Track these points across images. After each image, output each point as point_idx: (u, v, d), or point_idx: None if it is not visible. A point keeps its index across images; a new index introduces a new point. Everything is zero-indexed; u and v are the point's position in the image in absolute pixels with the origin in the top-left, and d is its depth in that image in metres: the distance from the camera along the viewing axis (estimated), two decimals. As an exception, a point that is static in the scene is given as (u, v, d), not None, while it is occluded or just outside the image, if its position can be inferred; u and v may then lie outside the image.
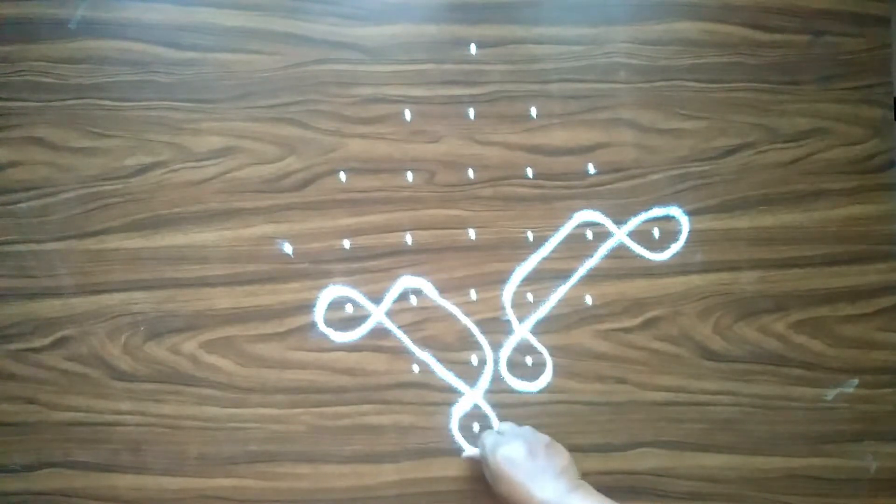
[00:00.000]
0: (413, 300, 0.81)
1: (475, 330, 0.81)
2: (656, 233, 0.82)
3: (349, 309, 0.80)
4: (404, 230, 0.81)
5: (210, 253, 0.79)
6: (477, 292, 0.81)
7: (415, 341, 0.80)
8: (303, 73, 0.80)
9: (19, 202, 0.78)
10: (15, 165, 0.78)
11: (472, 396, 0.81)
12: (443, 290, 0.81)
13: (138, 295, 0.79)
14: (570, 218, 0.82)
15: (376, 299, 0.80)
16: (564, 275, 0.82)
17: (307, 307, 0.80)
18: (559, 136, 0.82)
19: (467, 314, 0.81)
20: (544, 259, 0.82)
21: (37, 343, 0.78)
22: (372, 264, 0.80)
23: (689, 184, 0.83)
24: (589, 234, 0.82)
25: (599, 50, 0.82)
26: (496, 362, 0.81)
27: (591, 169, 0.82)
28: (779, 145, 0.84)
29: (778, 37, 0.84)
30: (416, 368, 0.80)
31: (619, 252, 0.82)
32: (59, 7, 0.78)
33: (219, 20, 0.79)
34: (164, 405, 0.78)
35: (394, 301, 0.80)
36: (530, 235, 0.82)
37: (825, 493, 0.83)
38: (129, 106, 0.79)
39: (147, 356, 0.79)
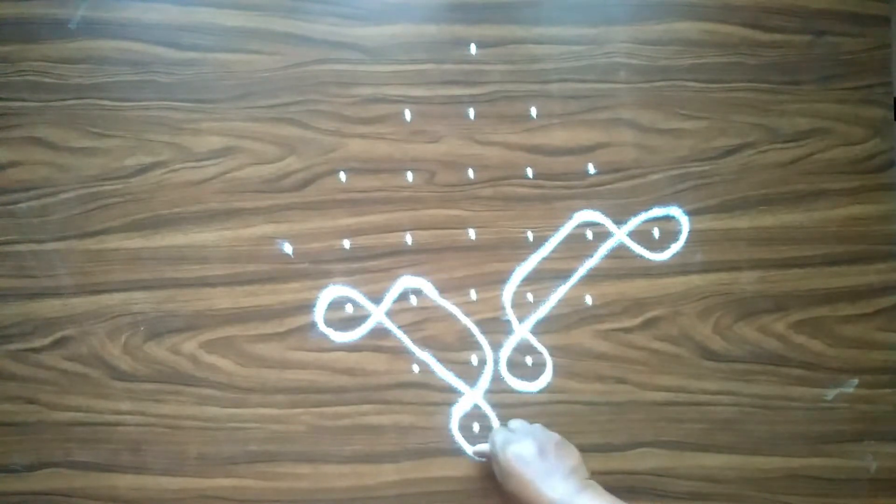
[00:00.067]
0: (413, 300, 0.81)
1: (475, 330, 0.81)
2: (656, 233, 0.82)
3: (349, 309, 0.80)
4: (404, 230, 0.81)
5: (210, 253, 0.79)
6: (477, 292, 0.81)
7: (415, 341, 0.80)
8: (303, 73, 0.80)
9: (19, 202, 0.78)
10: (15, 165, 0.78)
11: (472, 396, 0.81)
12: (443, 290, 0.81)
13: (138, 295, 0.79)
14: (570, 218, 0.82)
15: (376, 299, 0.80)
16: (564, 275, 0.82)
17: (307, 307, 0.80)
18: (559, 136, 0.82)
19: (467, 314, 0.81)
20: (544, 259, 0.82)
21: (37, 343, 0.78)
22: (372, 264, 0.80)
23: (689, 184, 0.83)
24: (589, 234, 0.82)
25: (599, 50, 0.82)
26: (496, 362, 0.81)
27: (591, 169, 0.82)
28: (779, 145, 0.84)
29: (778, 37, 0.83)
30: (416, 368, 0.80)
31: (619, 252, 0.82)
32: (59, 7, 0.78)
33: (219, 20, 0.79)
34: (164, 405, 0.78)
35: (394, 301, 0.80)
36: (530, 235, 0.82)
37: (825, 493, 0.83)
38: (129, 106, 0.79)
39: (147, 356, 0.79)
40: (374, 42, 0.81)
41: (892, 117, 0.84)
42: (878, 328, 0.83)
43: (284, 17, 0.80)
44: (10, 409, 0.78)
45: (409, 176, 0.81)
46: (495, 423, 0.80)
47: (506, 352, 0.81)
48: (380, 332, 0.80)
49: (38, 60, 0.78)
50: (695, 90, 0.83)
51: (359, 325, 0.80)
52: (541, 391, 0.81)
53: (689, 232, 0.83)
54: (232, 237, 0.79)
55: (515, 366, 0.81)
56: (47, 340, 0.78)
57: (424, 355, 0.81)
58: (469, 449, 0.80)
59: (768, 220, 0.83)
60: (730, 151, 0.83)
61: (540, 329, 0.81)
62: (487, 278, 0.81)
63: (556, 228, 0.82)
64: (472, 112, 0.81)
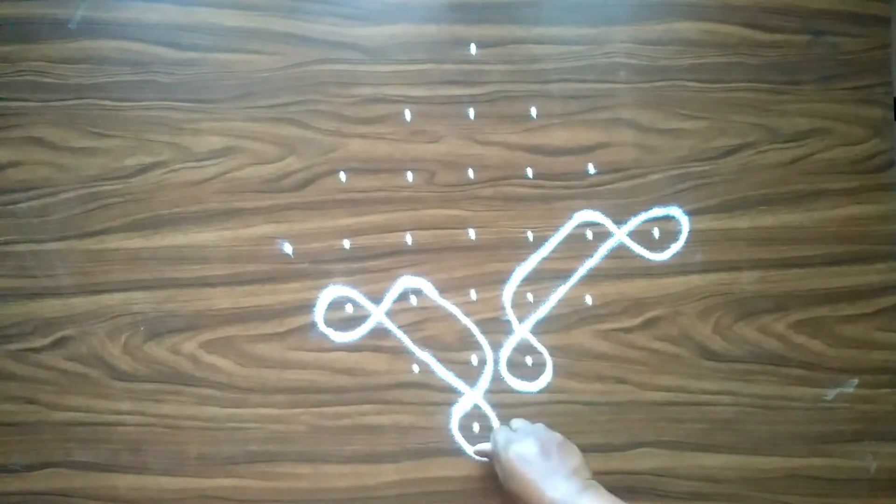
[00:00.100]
0: (413, 300, 0.81)
1: (475, 330, 0.81)
2: (656, 233, 0.82)
3: (349, 309, 0.80)
4: (404, 230, 0.81)
5: (210, 253, 0.79)
6: (477, 292, 0.81)
7: (415, 341, 0.80)
8: (303, 73, 0.80)
9: (19, 202, 0.78)
10: (15, 165, 0.78)
11: (472, 396, 0.81)
12: (443, 290, 0.81)
13: (138, 295, 0.79)
14: (570, 218, 0.82)
15: (376, 299, 0.80)
16: (564, 275, 0.82)
17: (307, 307, 0.80)
18: (559, 136, 0.82)
19: (467, 314, 0.81)
20: (544, 259, 0.82)
21: (37, 343, 0.78)
22: (372, 264, 0.80)
23: (689, 184, 0.83)
24: (589, 234, 0.82)
25: (599, 50, 0.82)
26: (496, 362, 0.81)
27: (591, 169, 0.82)
28: (779, 145, 0.84)
29: (778, 37, 0.83)
30: (416, 368, 0.80)
31: (619, 252, 0.82)
32: (59, 7, 0.78)
33: (219, 20, 0.79)
34: (164, 405, 0.78)
35: (394, 301, 0.80)
36: (530, 235, 0.82)
37: (825, 493, 0.83)
38: (129, 106, 0.79)
39: (147, 356, 0.79)
40: (374, 42, 0.81)
41: (892, 117, 0.84)
42: (878, 328, 0.83)
43: (284, 17, 0.80)
44: (10, 409, 0.78)
45: (409, 176, 0.81)
46: (495, 423, 0.80)
47: (506, 352, 0.81)
48: (380, 332, 0.80)
49: (38, 60, 0.78)
50: (695, 90, 0.83)
51: (359, 325, 0.80)
52: (541, 391, 0.81)
53: (689, 232, 0.83)
54: (232, 237, 0.79)
55: (515, 366, 0.81)
56: (47, 340, 0.78)
57: (424, 355, 0.81)
58: (469, 449, 0.80)
59: (768, 220, 0.83)
60: (730, 151, 0.83)
61: (540, 329, 0.81)
62: (487, 278, 0.81)
63: (556, 228, 0.82)
64: (472, 112, 0.81)
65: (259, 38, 0.80)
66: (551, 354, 0.81)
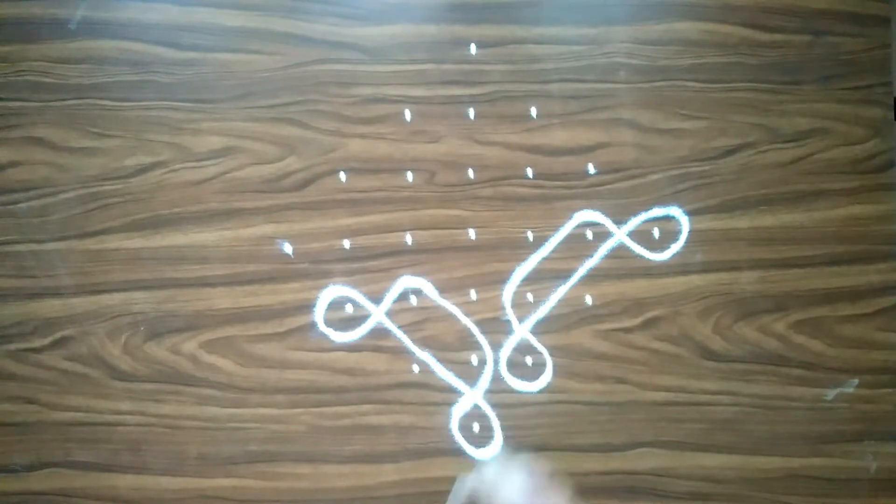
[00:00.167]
0: (413, 300, 0.81)
1: (475, 330, 0.81)
2: (656, 233, 0.82)
3: (349, 309, 0.80)
4: (404, 230, 0.81)
5: (210, 253, 0.79)
6: (477, 292, 0.81)
7: (415, 341, 0.80)
8: (303, 73, 0.80)
9: (19, 202, 0.78)
10: (15, 165, 0.78)
11: (472, 396, 0.81)
12: (443, 290, 0.81)
13: (138, 295, 0.79)
14: (570, 218, 0.82)
15: (376, 299, 0.80)
16: (564, 275, 0.82)
17: (307, 307, 0.80)
18: (559, 136, 0.82)
19: (467, 314, 0.81)
20: (544, 259, 0.82)
21: (37, 343, 0.78)
22: (372, 264, 0.80)
23: (689, 184, 0.83)
24: (589, 234, 0.82)
25: (599, 50, 0.82)
26: (496, 362, 0.81)
27: (591, 169, 0.82)
28: (779, 145, 0.84)
29: (778, 37, 0.83)
30: (416, 368, 0.80)
31: (619, 252, 0.82)
32: (59, 7, 0.78)
33: (219, 20, 0.79)
34: (164, 405, 0.78)
35: (394, 301, 0.80)
36: (530, 235, 0.82)
37: (825, 493, 0.82)
38: (129, 106, 0.79)
39: (147, 356, 0.79)
40: (374, 42, 0.81)
41: (892, 117, 0.84)
42: (878, 328, 0.83)
43: (284, 17, 0.80)
44: (10, 409, 0.78)
45: (409, 176, 0.81)
46: (495, 422, 0.80)
47: (506, 352, 0.81)
48: (380, 332, 0.80)
49: (38, 60, 0.78)
50: (695, 90, 0.83)
51: (359, 325, 0.80)
52: (541, 391, 0.81)
53: (689, 232, 0.82)
54: (232, 237, 0.79)
55: (515, 366, 0.81)
56: (47, 340, 0.78)
57: (424, 355, 0.80)
58: (469, 449, 0.80)
59: (768, 220, 0.83)
60: (730, 151, 0.83)
61: (540, 329, 0.81)
62: (487, 278, 0.81)
63: (556, 228, 0.82)
64: (472, 112, 0.81)
65: (259, 38, 0.80)
66: (551, 354, 0.81)
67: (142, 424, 0.78)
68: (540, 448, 0.80)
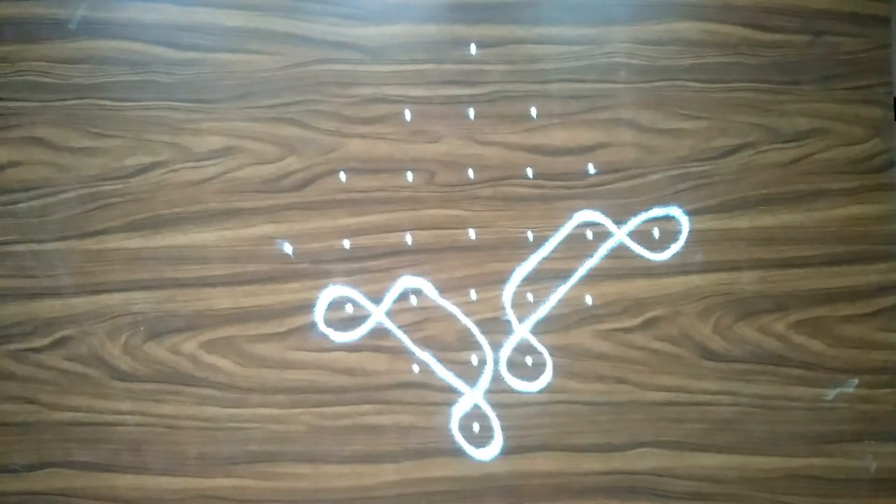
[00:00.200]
0: (413, 300, 0.81)
1: (475, 330, 0.81)
2: (656, 233, 0.82)
3: (349, 309, 0.80)
4: (404, 230, 0.81)
5: (210, 253, 0.79)
6: (477, 292, 0.81)
7: (415, 341, 0.80)
8: (303, 73, 0.80)
9: (19, 202, 0.78)
10: (15, 165, 0.78)
11: (472, 396, 0.81)
12: (443, 290, 0.81)
13: (138, 295, 0.79)
14: (570, 218, 0.82)
15: (376, 299, 0.80)
16: (564, 275, 0.82)
17: (307, 307, 0.80)
18: (559, 136, 0.82)
19: (467, 314, 0.81)
20: (544, 259, 0.82)
21: (37, 343, 0.78)
22: (372, 264, 0.80)
23: (689, 184, 0.83)
24: (589, 234, 0.82)
25: (599, 50, 0.82)
26: (496, 362, 0.81)
27: (591, 169, 0.82)
28: (779, 145, 0.84)
29: (778, 37, 0.83)
30: (416, 368, 0.80)
31: (619, 252, 0.82)
32: (59, 7, 0.78)
33: (219, 20, 0.79)
34: (164, 405, 0.79)
35: (394, 301, 0.80)
36: (530, 235, 0.82)
37: (825, 493, 0.83)
38: (129, 106, 0.79)
39: (147, 356, 0.79)
40: (374, 42, 0.81)
41: (892, 117, 0.84)
42: (878, 328, 0.83)
43: (284, 17, 0.80)
44: (10, 409, 0.78)
45: (409, 176, 0.81)
46: (495, 422, 0.80)
47: (506, 352, 0.81)
48: (380, 332, 0.80)
49: (38, 60, 0.78)
50: (695, 90, 0.83)
51: (359, 325, 0.80)
52: (541, 391, 0.81)
53: (689, 232, 0.82)
54: (232, 237, 0.79)
55: (515, 366, 0.81)
56: (47, 340, 0.78)
57: (424, 355, 0.81)
58: (469, 449, 0.80)
59: (768, 220, 0.83)
60: (730, 151, 0.83)
61: (540, 329, 0.81)
62: (487, 278, 0.81)
63: (556, 228, 0.82)
64: (472, 112, 0.81)
65: (259, 38, 0.80)
66: (551, 354, 0.81)
67: (142, 424, 0.78)
68: (540, 448, 0.80)
